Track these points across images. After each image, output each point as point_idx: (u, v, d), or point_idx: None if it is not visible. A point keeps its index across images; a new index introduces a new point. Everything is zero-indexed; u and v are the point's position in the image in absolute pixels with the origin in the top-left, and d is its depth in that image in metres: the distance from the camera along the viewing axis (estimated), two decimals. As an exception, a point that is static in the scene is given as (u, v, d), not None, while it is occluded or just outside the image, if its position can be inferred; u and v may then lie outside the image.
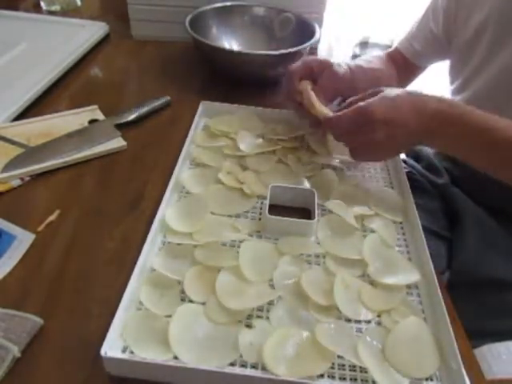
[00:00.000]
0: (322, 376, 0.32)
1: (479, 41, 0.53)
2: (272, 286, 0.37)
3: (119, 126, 0.55)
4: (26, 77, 0.60)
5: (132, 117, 0.57)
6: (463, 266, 0.52)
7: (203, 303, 0.35)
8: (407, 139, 0.43)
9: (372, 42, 0.82)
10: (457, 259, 0.53)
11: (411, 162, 0.67)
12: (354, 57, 0.76)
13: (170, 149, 0.52)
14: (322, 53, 0.78)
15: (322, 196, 0.46)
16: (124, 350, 0.32)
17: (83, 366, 0.32)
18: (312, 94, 0.49)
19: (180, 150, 0.49)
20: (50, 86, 0.61)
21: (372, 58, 0.63)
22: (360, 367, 0.32)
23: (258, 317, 0.35)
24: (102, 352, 0.30)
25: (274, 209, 0.43)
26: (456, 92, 0.60)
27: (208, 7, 0.70)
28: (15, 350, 0.31)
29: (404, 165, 0.67)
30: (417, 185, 0.61)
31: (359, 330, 0.35)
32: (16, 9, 0.83)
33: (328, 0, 0.73)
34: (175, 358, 0.31)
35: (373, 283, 0.38)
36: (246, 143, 0.52)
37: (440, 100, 0.43)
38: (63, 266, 0.39)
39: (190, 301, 0.36)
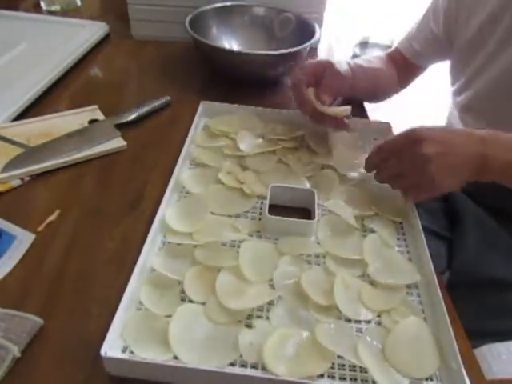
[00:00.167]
0: (322, 376, 0.32)
1: (483, 41, 0.53)
2: (272, 286, 0.37)
3: (119, 126, 0.55)
4: (26, 77, 0.60)
5: (132, 117, 0.57)
6: (463, 265, 0.52)
7: (203, 303, 0.35)
8: (461, 162, 0.39)
9: (372, 42, 0.82)
10: (457, 259, 0.53)
11: None
12: (354, 57, 0.76)
13: (169, 149, 0.52)
14: (322, 53, 0.78)
15: (322, 196, 0.46)
16: (124, 350, 0.32)
17: (83, 366, 0.32)
18: (319, 104, 0.50)
19: (180, 150, 0.49)
20: (49, 86, 0.61)
21: (372, 58, 0.63)
22: (360, 367, 0.32)
23: (258, 317, 0.35)
24: (102, 352, 0.30)
25: (274, 209, 0.43)
26: (457, 92, 0.60)
27: (208, 7, 0.70)
28: (15, 350, 0.31)
29: None
30: None
31: (359, 330, 0.35)
32: (16, 9, 0.83)
33: (328, 0, 0.73)
34: (175, 357, 0.31)
35: (373, 283, 0.38)
36: (246, 143, 0.52)
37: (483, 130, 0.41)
38: (63, 266, 0.39)
39: (190, 301, 0.36)
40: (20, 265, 0.39)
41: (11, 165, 0.47)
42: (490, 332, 0.46)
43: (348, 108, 0.51)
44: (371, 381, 0.32)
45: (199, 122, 0.56)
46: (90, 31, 0.74)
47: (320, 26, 0.68)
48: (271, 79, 0.68)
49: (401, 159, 0.41)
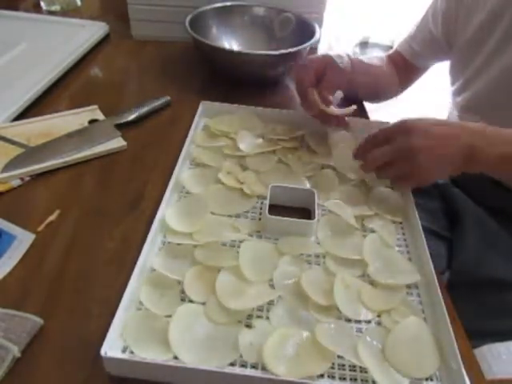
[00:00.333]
0: (322, 376, 0.32)
1: (483, 40, 0.53)
2: (272, 286, 0.37)
3: (119, 126, 0.55)
4: (26, 77, 0.60)
5: (132, 117, 0.57)
6: (463, 265, 0.52)
7: (203, 303, 0.35)
8: (449, 153, 0.40)
9: (372, 42, 0.82)
10: (457, 259, 0.53)
11: None
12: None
13: (170, 149, 0.52)
14: (322, 52, 0.77)
15: (322, 196, 0.46)
16: (124, 350, 0.32)
17: (83, 366, 0.32)
18: (324, 106, 0.50)
19: (180, 150, 0.49)
20: (50, 86, 0.61)
21: (373, 58, 0.63)
22: (360, 367, 0.32)
23: (258, 317, 0.35)
24: (102, 352, 0.30)
25: (274, 209, 0.43)
26: (456, 93, 0.60)
27: (208, 7, 0.70)
28: (15, 350, 0.31)
29: None
30: None
31: (359, 330, 0.35)
32: (16, 9, 0.83)
33: (328, 0, 0.73)
34: (175, 357, 0.31)
35: (373, 283, 0.38)
36: (246, 143, 0.52)
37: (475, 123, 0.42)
38: (63, 266, 0.39)
39: (190, 301, 0.36)
40: (20, 265, 0.39)
41: (11, 165, 0.47)
42: (490, 332, 0.46)
43: (354, 107, 0.51)
44: (371, 381, 0.32)
45: (199, 122, 0.56)
46: (90, 31, 0.74)
47: (320, 26, 0.68)
48: (271, 79, 0.68)
49: (390, 149, 0.42)
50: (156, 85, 0.66)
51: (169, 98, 0.61)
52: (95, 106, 0.58)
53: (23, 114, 0.56)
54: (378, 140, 0.44)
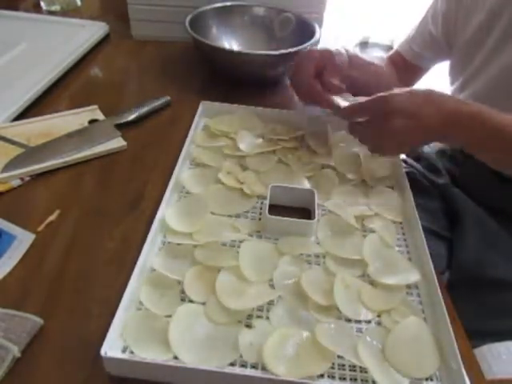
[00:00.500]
0: (322, 376, 0.32)
1: (482, 40, 0.53)
2: (272, 286, 0.37)
3: (119, 126, 0.55)
4: (26, 77, 0.60)
5: (132, 117, 0.56)
6: (463, 265, 0.52)
7: (203, 303, 0.35)
8: (423, 133, 0.43)
9: (372, 42, 0.82)
10: (457, 259, 0.53)
11: (411, 161, 0.67)
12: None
13: (170, 149, 0.52)
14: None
15: (321, 196, 0.46)
16: (124, 350, 0.32)
17: (83, 366, 0.32)
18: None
19: (180, 150, 0.49)
20: (50, 86, 0.61)
21: (373, 57, 0.63)
22: (360, 367, 0.32)
23: (258, 317, 0.35)
24: (102, 352, 0.30)
25: (274, 209, 0.43)
26: (456, 92, 0.60)
27: (208, 7, 0.70)
28: (15, 350, 0.31)
29: (404, 164, 0.67)
30: (417, 185, 0.61)
31: (359, 330, 0.35)
32: (16, 9, 0.83)
33: (328, 0, 0.73)
34: (175, 357, 0.31)
35: (373, 283, 0.38)
36: (246, 143, 0.52)
37: (459, 100, 0.43)
38: (63, 266, 0.39)
39: (190, 301, 0.36)
40: (20, 265, 0.39)
41: (11, 165, 0.47)
42: (490, 332, 0.46)
43: (361, 98, 0.51)
44: (371, 381, 0.32)
45: (199, 122, 0.56)
46: (90, 31, 0.74)
47: (320, 26, 0.68)
48: (271, 79, 0.68)
49: (370, 122, 0.44)
50: (156, 85, 0.66)
51: (169, 98, 0.61)
52: (95, 106, 0.58)
53: (23, 114, 0.56)
54: (363, 108, 0.46)
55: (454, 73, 0.61)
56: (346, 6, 1.05)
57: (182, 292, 0.36)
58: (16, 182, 0.47)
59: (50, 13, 0.84)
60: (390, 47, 1.92)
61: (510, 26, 0.50)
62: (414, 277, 0.38)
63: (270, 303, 0.36)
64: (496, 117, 0.41)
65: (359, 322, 0.35)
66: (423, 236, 0.41)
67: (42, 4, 0.85)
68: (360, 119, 0.45)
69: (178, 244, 0.40)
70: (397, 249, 0.42)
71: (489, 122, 0.41)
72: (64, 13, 0.84)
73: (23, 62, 0.64)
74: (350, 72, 0.54)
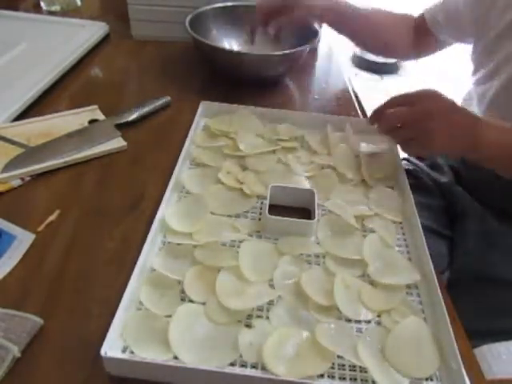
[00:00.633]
0: (322, 376, 0.32)
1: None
2: (272, 286, 0.37)
3: (119, 126, 0.55)
4: (26, 77, 0.60)
5: (132, 117, 0.56)
6: (464, 265, 0.52)
7: (203, 303, 0.35)
8: (462, 133, 0.43)
9: (372, 42, 0.82)
10: (457, 258, 0.53)
11: (414, 160, 0.67)
12: (354, 57, 0.76)
13: (170, 149, 0.52)
14: (322, 53, 0.78)
15: (321, 196, 0.46)
16: (124, 350, 0.32)
17: (83, 366, 0.32)
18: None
19: (180, 150, 0.49)
20: (50, 86, 0.61)
21: (395, 12, 0.64)
22: (360, 367, 0.32)
23: (258, 317, 0.35)
24: (102, 352, 0.30)
25: (274, 209, 0.43)
26: (481, 81, 0.57)
27: (208, 7, 0.70)
28: (15, 350, 0.31)
29: (407, 162, 0.67)
30: (420, 183, 0.61)
31: (359, 330, 0.35)
32: (16, 9, 0.83)
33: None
34: (175, 358, 0.31)
35: (373, 283, 0.38)
36: (246, 143, 0.52)
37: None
38: (63, 266, 0.39)
39: (190, 301, 0.36)
40: (20, 265, 0.39)
41: (11, 165, 0.47)
42: (490, 332, 0.46)
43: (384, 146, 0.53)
44: (371, 381, 0.32)
45: (199, 122, 0.56)
46: (90, 31, 0.74)
47: (320, 26, 0.68)
48: (271, 79, 0.68)
49: (407, 110, 0.44)
50: (156, 85, 0.66)
51: (169, 98, 0.61)
52: (95, 106, 0.58)
53: (23, 114, 0.56)
54: (396, 103, 0.46)
55: (479, 62, 0.58)
56: None
57: (182, 292, 0.36)
58: (16, 182, 0.47)
59: (50, 13, 0.84)
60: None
61: None
62: (413, 277, 0.38)
63: (270, 303, 0.36)
64: None
65: (359, 322, 0.35)
66: (423, 236, 0.41)
67: (42, 4, 0.85)
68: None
69: (178, 244, 0.40)
70: (397, 249, 0.42)
71: None
72: (64, 13, 0.84)
73: (23, 62, 0.64)
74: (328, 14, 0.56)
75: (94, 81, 0.67)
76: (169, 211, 0.42)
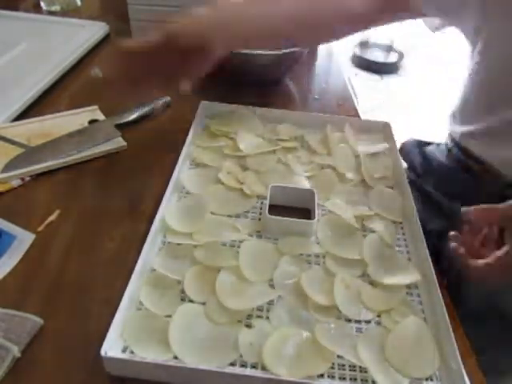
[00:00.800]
0: (321, 376, 0.32)
1: None
2: (272, 286, 0.37)
3: (119, 126, 0.55)
4: (26, 77, 0.60)
5: (132, 117, 0.56)
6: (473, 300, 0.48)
7: (203, 303, 0.35)
8: None
9: (372, 42, 0.82)
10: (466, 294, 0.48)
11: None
12: (354, 57, 0.76)
13: (169, 149, 0.52)
14: (322, 53, 0.78)
15: (322, 196, 0.46)
16: (124, 350, 0.32)
17: (83, 366, 0.32)
18: None
19: (180, 150, 0.49)
20: (50, 86, 0.61)
21: None
22: (360, 367, 0.32)
23: (258, 317, 0.35)
24: (102, 352, 0.30)
25: (274, 209, 0.43)
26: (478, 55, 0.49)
27: (208, 7, 0.70)
28: (15, 350, 0.31)
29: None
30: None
31: (359, 330, 0.35)
32: (16, 9, 0.83)
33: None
34: (175, 357, 0.31)
35: (373, 283, 0.38)
36: (246, 143, 0.52)
37: None
38: (63, 266, 0.39)
39: (190, 301, 0.36)
40: (20, 265, 0.39)
41: (11, 165, 0.47)
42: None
43: None
44: (371, 381, 0.32)
45: (199, 122, 0.56)
46: (90, 31, 0.74)
47: (320, 26, 0.67)
48: (271, 79, 0.68)
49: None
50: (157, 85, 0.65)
51: (169, 98, 0.61)
52: (95, 106, 0.58)
53: (23, 114, 0.56)
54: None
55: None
56: None
57: (182, 292, 0.36)
58: (16, 182, 0.46)
59: (50, 13, 0.84)
60: (389, 47, 1.95)
61: None
62: (413, 277, 0.38)
63: (270, 303, 0.36)
64: None
65: (359, 322, 0.35)
66: (423, 236, 0.41)
67: (42, 4, 0.85)
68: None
69: (178, 244, 0.40)
70: (397, 249, 0.42)
71: None
72: (64, 13, 0.84)
73: (23, 62, 0.64)
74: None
75: (94, 81, 0.67)
76: (169, 211, 0.42)
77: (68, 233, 0.42)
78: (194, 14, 0.43)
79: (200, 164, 0.50)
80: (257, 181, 0.48)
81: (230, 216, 0.44)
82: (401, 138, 0.59)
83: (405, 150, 0.65)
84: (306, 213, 0.46)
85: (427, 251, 0.39)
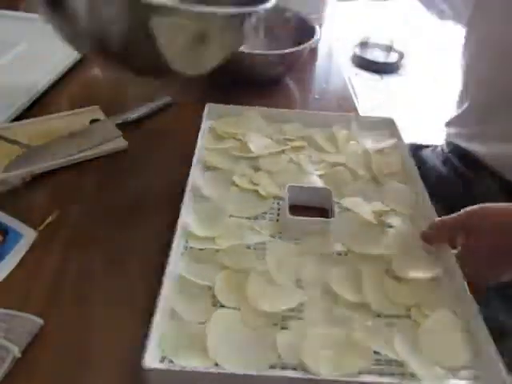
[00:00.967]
0: (361, 372, 0.32)
1: None
2: (301, 287, 0.37)
3: (120, 126, 0.53)
4: (26, 77, 0.58)
5: (133, 117, 0.55)
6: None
7: (236, 308, 0.35)
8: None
9: (372, 42, 0.84)
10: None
11: None
12: (354, 57, 0.77)
13: (171, 149, 0.52)
14: (322, 52, 0.79)
15: (336, 193, 0.46)
16: (162, 360, 0.31)
17: (83, 366, 0.32)
18: None
19: (181, 150, 0.48)
20: (50, 86, 0.59)
21: None
22: (396, 361, 0.33)
23: (292, 318, 0.35)
24: (145, 364, 0.29)
25: (291, 208, 0.43)
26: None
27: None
28: (15, 351, 0.31)
29: None
30: None
31: (391, 325, 0.35)
32: (16, 9, 0.79)
33: (328, 0, 0.74)
34: (215, 364, 0.31)
35: (398, 278, 0.39)
36: (256, 144, 0.52)
37: None
38: (63, 266, 0.38)
39: (222, 306, 0.35)
40: (20, 265, 0.38)
41: (12, 165, 0.45)
42: None
43: None
44: (409, 374, 0.32)
45: (205, 124, 0.54)
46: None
47: (320, 26, 0.68)
48: (271, 79, 0.68)
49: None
50: (157, 84, 0.64)
51: (170, 98, 0.59)
52: (96, 106, 0.56)
53: (24, 114, 0.54)
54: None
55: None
56: (346, 6, 1.06)
57: (213, 297, 0.35)
58: (17, 182, 0.45)
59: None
60: (389, 47, 1.93)
61: None
62: (437, 270, 0.39)
63: (302, 304, 0.36)
64: None
65: (390, 316, 0.36)
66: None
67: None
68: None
69: (201, 249, 0.39)
70: (417, 243, 0.43)
71: None
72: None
73: (23, 62, 0.62)
74: None
75: (94, 80, 0.65)
76: (189, 216, 0.41)
77: (68, 233, 0.41)
78: None
79: (211, 167, 0.49)
80: (271, 182, 0.48)
81: (248, 218, 0.43)
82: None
83: None
84: (323, 212, 0.46)
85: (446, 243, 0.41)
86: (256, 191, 0.46)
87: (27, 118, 0.53)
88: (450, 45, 1.66)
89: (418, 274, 0.39)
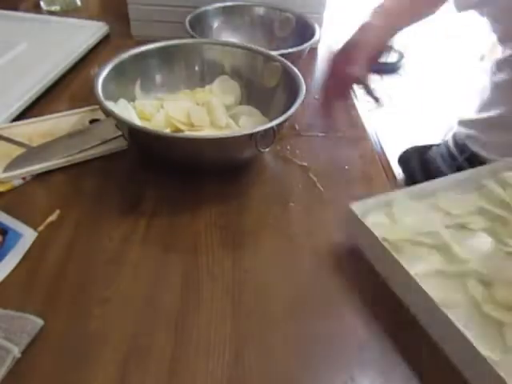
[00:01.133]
0: None
1: None
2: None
3: (120, 126, 0.55)
4: (26, 77, 0.59)
5: (132, 117, 0.56)
6: None
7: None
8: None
9: (372, 42, 0.81)
10: None
11: None
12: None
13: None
14: (323, 52, 0.78)
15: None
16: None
17: (83, 366, 0.32)
18: None
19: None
20: (50, 86, 0.60)
21: None
22: None
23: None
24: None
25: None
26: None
27: (208, 7, 0.70)
28: (15, 351, 0.31)
29: None
30: None
31: None
32: (16, 9, 0.83)
33: (328, 0, 0.73)
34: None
35: None
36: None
37: None
38: (63, 266, 0.39)
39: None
40: (20, 265, 0.39)
41: (12, 165, 0.47)
42: None
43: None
44: None
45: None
46: (90, 31, 0.74)
47: (320, 26, 0.68)
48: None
49: None
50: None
51: (169, 98, 0.61)
52: (96, 106, 0.58)
53: (24, 114, 0.55)
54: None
55: None
56: (346, 6, 1.05)
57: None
58: (17, 182, 0.46)
59: (50, 13, 0.84)
60: (389, 47, 1.93)
61: None
62: None
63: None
64: None
65: None
66: None
67: (42, 4, 0.85)
68: None
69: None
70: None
71: None
72: (64, 13, 0.84)
73: (23, 62, 0.64)
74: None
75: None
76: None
77: (68, 233, 0.42)
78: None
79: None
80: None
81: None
82: (400, 138, 0.59)
83: (404, 159, 0.64)
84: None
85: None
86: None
87: (27, 118, 0.55)
88: (449, 45, 1.58)
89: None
